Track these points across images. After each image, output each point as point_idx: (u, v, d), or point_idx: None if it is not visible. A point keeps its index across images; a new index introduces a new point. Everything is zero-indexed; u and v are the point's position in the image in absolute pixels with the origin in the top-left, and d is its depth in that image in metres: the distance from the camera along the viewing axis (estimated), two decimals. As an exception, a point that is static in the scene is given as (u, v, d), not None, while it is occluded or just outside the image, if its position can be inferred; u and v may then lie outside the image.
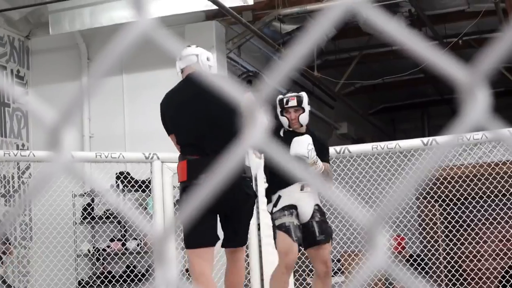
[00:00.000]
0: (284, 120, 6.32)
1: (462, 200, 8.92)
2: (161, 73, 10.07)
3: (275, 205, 6.13)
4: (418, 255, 10.00)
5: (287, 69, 0.97)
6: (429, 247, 9.56)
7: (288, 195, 6.11)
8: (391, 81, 12.24)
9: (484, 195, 8.81)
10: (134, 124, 10.51)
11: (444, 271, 9.66)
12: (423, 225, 9.78)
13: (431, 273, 9.36)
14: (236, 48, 11.22)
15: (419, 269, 9.50)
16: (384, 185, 10.05)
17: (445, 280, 9.35)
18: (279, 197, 6.13)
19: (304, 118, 6.36)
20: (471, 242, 9.23)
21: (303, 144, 5.96)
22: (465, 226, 9.32)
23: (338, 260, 10.87)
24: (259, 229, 8.58)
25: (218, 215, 5.32)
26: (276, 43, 11.28)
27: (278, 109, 6.35)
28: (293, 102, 6.35)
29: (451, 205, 9.11)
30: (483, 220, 9.16)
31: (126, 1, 9.67)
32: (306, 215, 6.12)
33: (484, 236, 9.55)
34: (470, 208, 8.93)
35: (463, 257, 9.53)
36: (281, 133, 6.35)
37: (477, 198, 8.84)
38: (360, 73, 12.58)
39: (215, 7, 9.17)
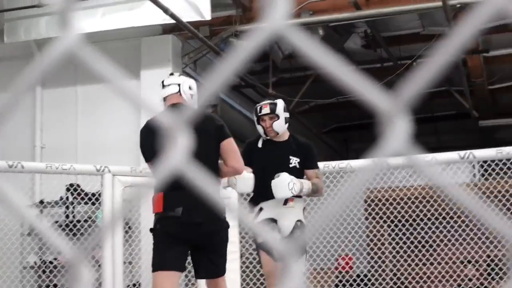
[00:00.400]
0: (259, 129, 6.28)
1: (411, 221, 9.00)
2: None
3: (255, 217, 6.05)
4: (366, 275, 10.04)
5: (210, 90, 0.98)
6: (376, 267, 9.62)
7: (270, 208, 6.03)
8: (345, 101, 12.30)
9: (433, 217, 8.89)
10: (87, 136, 10.44)
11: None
12: (371, 245, 9.84)
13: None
14: (192, 63, 11.22)
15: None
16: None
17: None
18: (261, 209, 6.06)
19: (278, 125, 6.27)
20: (418, 264, 9.30)
21: (283, 186, 5.84)
22: (412, 247, 9.38)
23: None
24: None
25: (189, 245, 5.34)
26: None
27: (254, 118, 6.32)
28: (266, 110, 6.28)
29: (399, 226, 9.18)
30: (430, 242, 9.23)
31: (82, 12, 9.64)
32: (287, 230, 6.01)
33: (431, 258, 9.62)
34: (418, 229, 9.00)
35: (410, 278, 9.59)
36: (259, 144, 6.30)
37: (425, 220, 8.92)
38: (314, 92, 12.64)
39: (172, 21, 9.17)
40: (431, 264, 9.35)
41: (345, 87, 1.00)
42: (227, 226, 5.42)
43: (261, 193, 5.98)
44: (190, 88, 5.53)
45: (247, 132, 13.10)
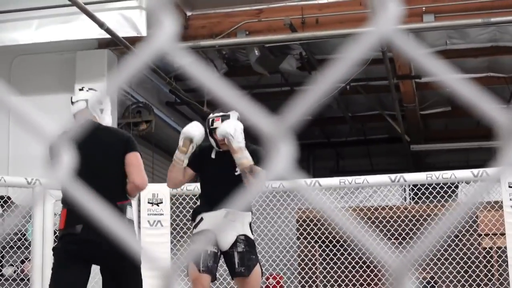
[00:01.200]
0: (212, 141, 6.01)
1: (342, 242, 9.09)
2: (49, 98, 9.94)
3: (195, 227, 5.90)
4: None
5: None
6: (307, 287, 9.67)
7: (209, 220, 5.83)
8: (295, 144, 12.38)
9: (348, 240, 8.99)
10: (18, 148, 10.31)
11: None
12: (302, 265, 9.89)
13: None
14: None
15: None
16: (266, 224, 10.14)
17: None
18: (201, 219, 5.87)
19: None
20: (348, 284, 9.38)
21: (230, 125, 5.73)
22: (342, 268, 9.47)
23: None
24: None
25: (90, 265, 5.23)
26: (168, 76, 11.30)
27: (207, 129, 6.01)
28: (218, 123, 5.94)
29: (330, 246, 9.25)
30: (360, 263, 9.32)
31: (16, 23, 9.54)
32: (226, 244, 5.81)
33: (361, 279, 9.71)
34: (349, 250, 9.09)
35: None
36: (213, 155, 6.06)
37: (355, 241, 8.99)
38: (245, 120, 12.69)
39: (108, 35, 9.14)
40: (361, 285, 9.44)
41: (233, 108, 1.03)
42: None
43: (206, 203, 5.91)
44: (99, 102, 5.40)
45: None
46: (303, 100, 1.01)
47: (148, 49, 0.99)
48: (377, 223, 8.90)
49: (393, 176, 8.43)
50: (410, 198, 12.67)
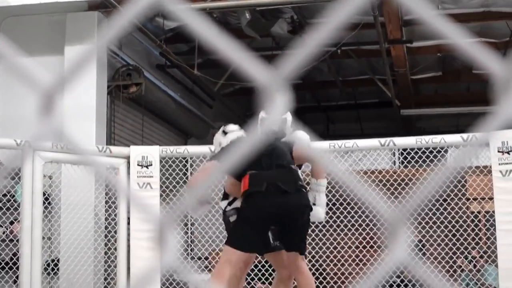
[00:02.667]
0: None
1: (330, 205, 9.12)
2: (40, 60, 9.89)
3: (229, 204, 6.07)
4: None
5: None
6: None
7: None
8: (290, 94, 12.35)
9: (352, 201, 9.01)
10: (7, 110, 10.28)
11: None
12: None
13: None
14: (117, 40, 11.14)
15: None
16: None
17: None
18: (235, 198, 6.03)
19: None
20: (336, 247, 9.44)
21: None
22: (331, 231, 9.51)
23: (206, 258, 10.92)
24: (128, 223, 8.55)
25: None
26: (158, 38, 11.25)
27: None
28: None
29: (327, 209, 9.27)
30: (349, 226, 9.37)
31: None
32: None
33: (349, 241, 9.77)
34: (337, 213, 9.12)
35: (328, 261, 9.74)
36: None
37: (344, 204, 9.04)
38: (240, 75, 12.67)
39: (98, -3, 9.09)
40: (349, 247, 9.50)
41: (228, 59, 1.03)
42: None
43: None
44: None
45: (171, 111, 13.08)
46: (298, 54, 1.01)
47: (137, 7, 0.99)
48: (366, 186, 8.91)
49: (382, 140, 8.45)
50: (399, 162, 12.71)
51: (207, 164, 6.05)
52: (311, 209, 5.81)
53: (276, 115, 1.04)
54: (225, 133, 6.30)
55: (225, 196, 6.15)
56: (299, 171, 5.96)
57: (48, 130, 1.09)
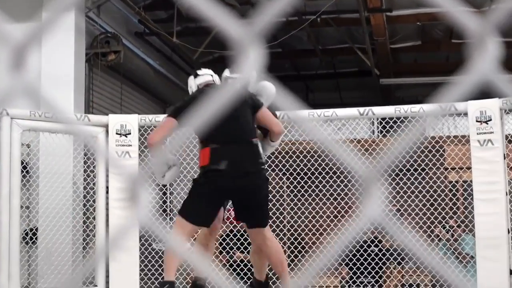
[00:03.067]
0: None
1: (309, 174, 9.13)
2: (17, 27, 9.78)
3: None
4: (263, 226, 10.17)
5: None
6: (274, 218, 9.75)
7: None
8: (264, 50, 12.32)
9: (331, 171, 9.03)
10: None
11: (287, 243, 9.88)
12: (270, 196, 9.92)
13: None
14: (95, 7, 11.04)
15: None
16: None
17: (287, 252, 9.56)
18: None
19: None
20: (315, 216, 9.47)
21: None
22: (310, 200, 9.54)
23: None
24: (107, 192, 8.52)
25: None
26: (136, 5, 11.17)
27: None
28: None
29: (298, 178, 9.30)
30: (328, 195, 9.39)
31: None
32: None
33: (327, 211, 9.80)
34: (316, 183, 9.14)
35: (306, 230, 9.77)
36: None
37: (323, 174, 9.05)
38: (219, 43, 12.60)
39: (76, -36, 8.98)
40: (328, 217, 9.53)
41: (201, 14, 1.02)
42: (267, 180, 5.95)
43: None
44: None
45: (150, 79, 13.01)
46: (270, 10, 0.99)
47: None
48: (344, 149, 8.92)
49: (361, 109, 8.45)
50: (378, 132, 12.74)
51: (166, 120, 5.88)
52: (268, 182, 5.86)
53: (249, 70, 1.03)
54: (196, 76, 6.27)
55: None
56: (259, 145, 5.89)
57: (18, 86, 1.07)
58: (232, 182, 5.58)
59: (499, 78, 0.97)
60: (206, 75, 6.20)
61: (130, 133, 8.56)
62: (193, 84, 6.16)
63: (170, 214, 11.45)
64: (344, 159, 1.01)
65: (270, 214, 9.85)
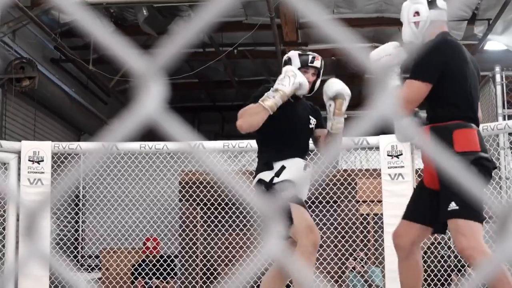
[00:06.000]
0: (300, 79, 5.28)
1: (223, 205, 9.17)
2: None
3: (277, 175, 5.17)
4: (176, 256, 10.16)
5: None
6: (187, 248, 9.74)
7: (292, 169, 5.20)
8: (166, 83, 12.34)
9: (237, 202, 9.08)
10: None
11: (200, 273, 9.87)
12: (183, 226, 9.93)
13: (187, 274, 9.52)
14: (11, 32, 10.92)
15: (176, 269, 9.66)
16: (149, 185, 10.16)
17: (199, 282, 9.55)
18: (283, 167, 5.18)
19: (316, 85, 5.50)
20: (228, 247, 9.49)
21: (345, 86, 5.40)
22: (223, 231, 9.56)
23: (97, 256, 10.83)
24: (17, 219, 8.39)
25: None
26: (53, 32, 11.08)
27: (295, 64, 5.40)
28: (318, 63, 5.44)
29: (212, 209, 9.33)
30: (241, 226, 9.43)
31: None
32: (304, 197, 5.31)
33: (241, 241, 9.83)
34: (230, 213, 9.18)
35: (219, 261, 9.79)
36: (291, 99, 5.35)
37: (237, 204, 9.09)
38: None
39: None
40: (240, 247, 9.57)
41: (105, 46, 1.04)
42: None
43: (284, 150, 5.29)
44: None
45: (65, 106, 12.89)
46: (174, 41, 1.02)
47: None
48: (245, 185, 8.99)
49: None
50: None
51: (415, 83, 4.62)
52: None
53: (154, 102, 1.05)
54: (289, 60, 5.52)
55: (268, 165, 5.26)
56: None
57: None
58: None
59: (394, 114, 1.02)
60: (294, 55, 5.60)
61: (43, 160, 8.46)
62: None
63: (81, 243, 11.33)
64: (246, 198, 1.04)
65: (183, 244, 9.89)
